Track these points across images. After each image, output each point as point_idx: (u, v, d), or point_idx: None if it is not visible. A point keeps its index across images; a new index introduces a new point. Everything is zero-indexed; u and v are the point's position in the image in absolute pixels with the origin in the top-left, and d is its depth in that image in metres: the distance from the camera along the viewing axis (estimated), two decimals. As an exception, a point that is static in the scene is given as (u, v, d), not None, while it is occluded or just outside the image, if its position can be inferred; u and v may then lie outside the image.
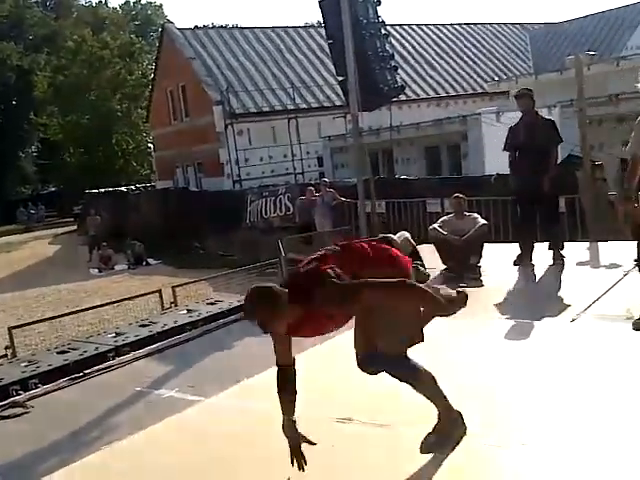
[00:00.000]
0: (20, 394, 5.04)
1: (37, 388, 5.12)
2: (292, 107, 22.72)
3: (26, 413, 4.62)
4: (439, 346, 4.86)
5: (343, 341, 5.18)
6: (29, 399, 4.85)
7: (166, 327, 6.56)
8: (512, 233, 9.00)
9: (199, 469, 3.35)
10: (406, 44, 27.60)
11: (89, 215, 22.55)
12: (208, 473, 3.32)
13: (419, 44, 28.29)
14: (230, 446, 3.54)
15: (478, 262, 7.03)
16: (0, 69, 45.04)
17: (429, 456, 3.07)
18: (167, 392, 4.69)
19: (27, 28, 49.49)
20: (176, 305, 8.56)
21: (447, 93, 26.30)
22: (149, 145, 38.28)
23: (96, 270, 18.54)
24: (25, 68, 44.91)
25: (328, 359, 4.67)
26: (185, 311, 7.31)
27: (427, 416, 3.06)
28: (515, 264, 6.99)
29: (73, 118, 37.22)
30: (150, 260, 19.20)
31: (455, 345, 4.73)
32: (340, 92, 19.47)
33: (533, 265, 6.91)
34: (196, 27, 27.62)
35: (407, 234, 8.02)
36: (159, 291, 9.10)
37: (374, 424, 3.57)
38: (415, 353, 3.02)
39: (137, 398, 4.71)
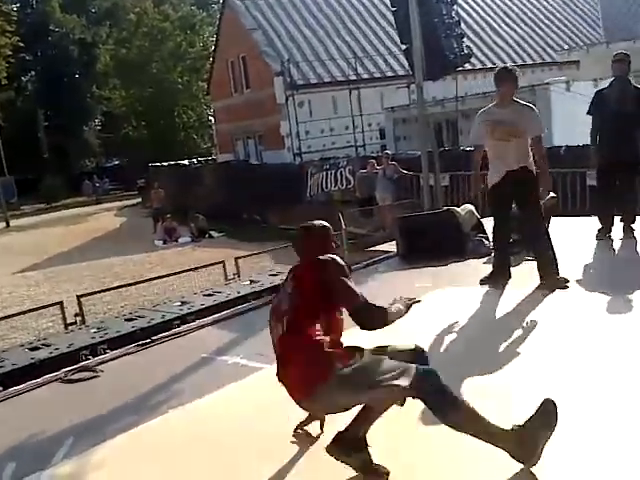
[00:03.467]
0: (89, 359, 5.16)
1: (106, 354, 5.23)
2: (354, 77, 22.34)
3: (95, 377, 4.69)
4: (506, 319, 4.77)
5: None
6: (98, 364, 4.93)
7: (230, 297, 6.63)
8: (590, 206, 8.68)
9: (259, 436, 3.32)
10: (472, 11, 26.70)
11: (153, 188, 22.94)
12: (268, 440, 3.27)
13: (485, 11, 27.37)
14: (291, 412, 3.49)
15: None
16: (64, 42, 45.98)
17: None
18: (232, 359, 4.70)
19: (90, 1, 50.08)
20: (239, 276, 8.66)
21: (514, 62, 25.35)
22: (210, 118, 38.66)
23: (161, 242, 18.89)
24: (88, 41, 45.68)
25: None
26: (248, 282, 7.37)
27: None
28: (597, 238, 6.71)
29: (135, 91, 37.87)
30: (213, 233, 19.45)
31: (531, 316, 4.70)
32: (404, 61, 19.11)
33: (612, 239, 6.66)
34: (257, -3, 27.42)
35: (472, 207, 7.88)
36: (222, 262, 9.22)
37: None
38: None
39: (202, 365, 4.74)
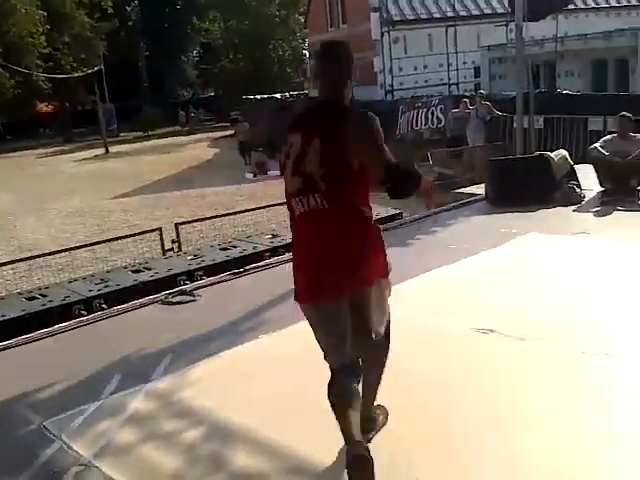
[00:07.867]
0: (187, 284, 5.56)
1: (202, 280, 5.62)
2: (451, 14, 21.66)
3: (193, 301, 5.06)
4: (590, 270, 4.78)
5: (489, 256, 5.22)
6: (195, 289, 5.29)
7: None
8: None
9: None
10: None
11: (238, 122, 23.19)
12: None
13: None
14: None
15: (638, 185, 6.76)
16: (166, -26, 46.39)
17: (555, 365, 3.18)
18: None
19: None
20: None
21: (619, 3, 23.78)
22: (304, 52, 38.37)
23: (251, 175, 19.30)
24: (190, -27, 45.88)
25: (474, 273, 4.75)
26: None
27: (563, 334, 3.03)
28: None
29: (234, 24, 37.97)
30: (301, 167, 19.65)
31: (609, 268, 4.74)
32: (503, -1, 18.35)
33: None
34: None
35: (565, 152, 7.73)
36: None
37: (513, 337, 3.67)
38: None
39: (286, 298, 5.02)
